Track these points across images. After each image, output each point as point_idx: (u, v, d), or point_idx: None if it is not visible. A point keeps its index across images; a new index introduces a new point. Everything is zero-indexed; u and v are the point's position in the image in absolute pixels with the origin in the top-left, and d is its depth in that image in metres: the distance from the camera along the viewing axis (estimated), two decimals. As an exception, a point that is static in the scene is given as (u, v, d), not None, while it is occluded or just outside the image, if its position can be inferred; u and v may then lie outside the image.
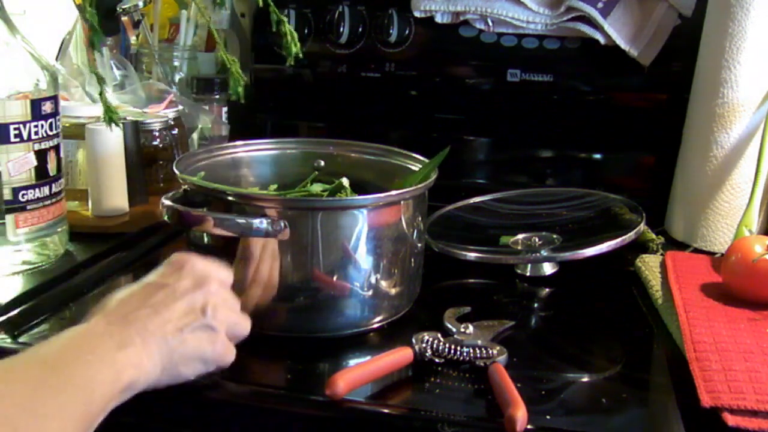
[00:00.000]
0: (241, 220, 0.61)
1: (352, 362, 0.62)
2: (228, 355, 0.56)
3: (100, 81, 0.75)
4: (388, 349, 0.60)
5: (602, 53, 0.99)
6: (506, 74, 1.05)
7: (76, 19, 1.09)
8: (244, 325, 0.58)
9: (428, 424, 0.53)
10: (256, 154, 0.81)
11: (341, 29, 1.07)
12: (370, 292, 0.65)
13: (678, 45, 0.98)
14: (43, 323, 0.68)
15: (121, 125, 0.85)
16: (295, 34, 0.76)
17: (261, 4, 0.75)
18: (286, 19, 0.76)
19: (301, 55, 0.77)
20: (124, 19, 1.12)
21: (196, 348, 0.53)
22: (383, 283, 0.66)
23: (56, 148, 0.78)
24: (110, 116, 0.78)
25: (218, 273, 0.58)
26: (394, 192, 0.66)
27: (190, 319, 0.53)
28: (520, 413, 0.51)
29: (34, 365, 0.46)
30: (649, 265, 0.80)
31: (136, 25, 1.15)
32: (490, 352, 0.60)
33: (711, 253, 0.86)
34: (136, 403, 0.60)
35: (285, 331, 0.65)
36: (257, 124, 1.18)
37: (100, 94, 0.76)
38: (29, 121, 0.73)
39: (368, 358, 0.60)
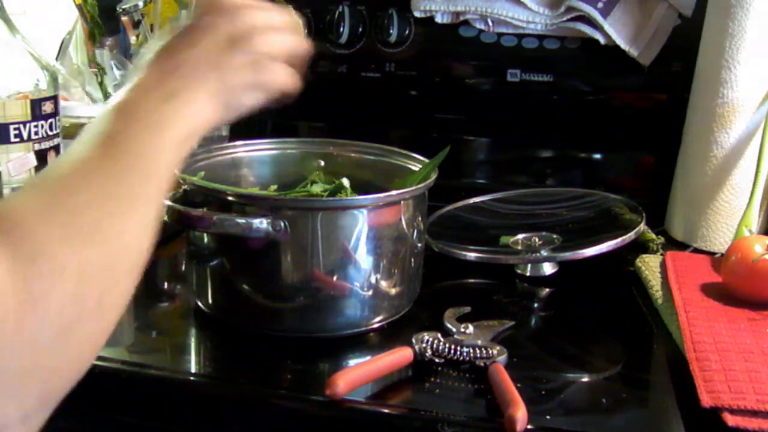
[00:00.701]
0: (241, 220, 0.61)
1: (352, 362, 0.62)
2: (290, 79, 0.56)
3: (101, 71, 0.75)
4: (388, 349, 0.60)
5: (602, 53, 0.99)
6: (506, 74, 1.05)
7: (76, 19, 1.09)
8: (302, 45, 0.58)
9: (428, 424, 0.53)
10: (256, 154, 0.81)
11: (341, 29, 1.07)
12: (370, 292, 0.65)
13: (678, 45, 0.98)
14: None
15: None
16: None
17: None
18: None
19: None
20: (124, 19, 1.12)
21: (252, 78, 0.54)
22: (383, 283, 0.66)
23: (56, 148, 0.78)
24: None
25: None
26: (394, 192, 0.66)
27: (239, 55, 0.53)
28: (520, 413, 0.51)
29: (102, 152, 0.44)
30: (649, 265, 0.80)
31: (136, 25, 1.15)
32: (490, 352, 0.60)
33: (711, 253, 0.86)
34: (135, 403, 0.61)
35: (285, 331, 0.65)
36: (257, 124, 1.18)
37: (100, 83, 0.76)
38: (29, 121, 0.73)
39: (368, 358, 0.60)
